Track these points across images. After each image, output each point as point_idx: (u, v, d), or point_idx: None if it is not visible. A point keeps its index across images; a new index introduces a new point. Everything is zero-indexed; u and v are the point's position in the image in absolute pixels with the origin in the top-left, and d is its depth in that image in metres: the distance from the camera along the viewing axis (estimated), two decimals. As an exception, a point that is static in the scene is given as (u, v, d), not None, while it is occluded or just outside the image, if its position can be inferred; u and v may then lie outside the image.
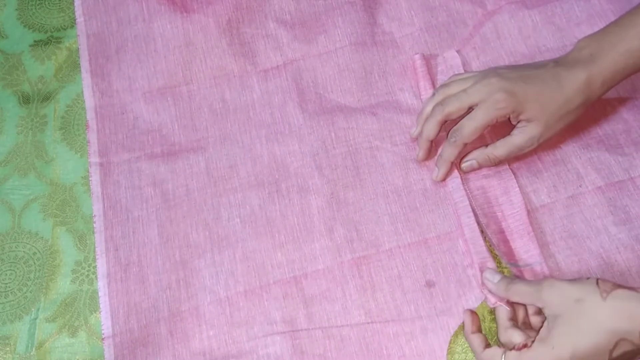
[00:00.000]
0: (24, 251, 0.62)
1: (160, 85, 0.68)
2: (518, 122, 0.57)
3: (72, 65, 0.70)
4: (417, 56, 0.67)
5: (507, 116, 0.56)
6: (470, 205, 0.59)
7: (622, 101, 0.63)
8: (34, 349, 0.58)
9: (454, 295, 0.57)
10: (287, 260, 0.59)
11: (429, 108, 0.60)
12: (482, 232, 0.58)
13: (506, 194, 0.60)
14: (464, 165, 0.60)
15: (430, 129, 0.59)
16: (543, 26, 0.67)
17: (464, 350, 0.55)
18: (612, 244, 0.57)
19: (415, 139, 0.63)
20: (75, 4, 0.72)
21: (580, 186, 0.60)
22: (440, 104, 0.58)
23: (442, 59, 0.67)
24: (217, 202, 0.62)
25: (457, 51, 0.67)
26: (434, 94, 0.60)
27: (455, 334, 0.55)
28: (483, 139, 0.61)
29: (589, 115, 0.62)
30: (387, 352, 0.55)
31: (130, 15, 0.71)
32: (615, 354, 0.44)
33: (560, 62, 0.57)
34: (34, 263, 0.61)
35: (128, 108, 0.67)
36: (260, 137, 0.65)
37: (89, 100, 0.67)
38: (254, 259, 0.59)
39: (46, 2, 0.74)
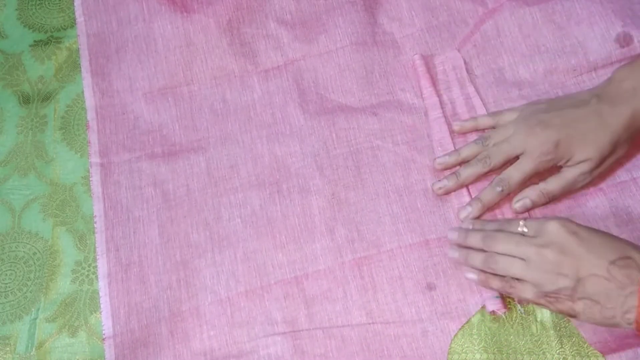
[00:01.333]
0: (24, 251, 0.62)
1: (160, 86, 0.68)
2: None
3: (72, 65, 0.70)
4: (416, 56, 0.67)
5: (556, 163, 0.57)
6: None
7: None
8: (34, 349, 0.58)
9: (455, 299, 0.57)
10: (288, 261, 0.59)
11: (468, 151, 0.60)
12: None
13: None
14: (517, 205, 0.58)
15: (470, 178, 0.59)
16: (543, 24, 0.67)
17: (464, 351, 0.55)
18: (614, 244, 0.57)
19: (440, 169, 0.62)
20: (75, 4, 0.72)
21: (581, 187, 0.60)
22: (486, 156, 0.58)
23: (444, 58, 0.67)
24: (218, 202, 0.62)
25: (458, 50, 0.67)
26: (476, 141, 0.60)
27: (456, 335, 0.55)
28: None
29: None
30: (387, 352, 0.55)
31: (130, 15, 0.71)
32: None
33: (602, 98, 0.57)
34: (34, 263, 0.61)
35: (129, 108, 0.67)
36: (261, 137, 0.65)
37: (90, 101, 0.67)
38: (254, 259, 0.59)
39: (46, 2, 0.74)
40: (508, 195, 0.58)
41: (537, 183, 0.58)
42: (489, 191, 0.58)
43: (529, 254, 0.50)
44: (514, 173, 0.57)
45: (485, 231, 0.55)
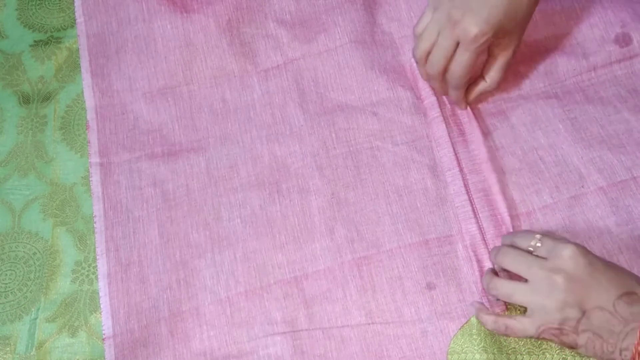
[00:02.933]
0: (24, 251, 0.62)
1: (160, 86, 0.68)
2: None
3: (72, 65, 0.70)
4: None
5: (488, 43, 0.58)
6: (473, 210, 0.59)
7: (623, 102, 0.63)
8: (34, 349, 0.58)
9: (454, 299, 0.57)
10: (287, 261, 0.59)
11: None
12: (483, 239, 0.58)
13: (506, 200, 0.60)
14: (471, 98, 0.63)
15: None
16: (543, 25, 0.67)
17: (463, 351, 0.55)
18: (614, 244, 0.57)
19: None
20: (75, 4, 0.72)
21: (582, 187, 0.59)
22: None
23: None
24: (218, 202, 0.62)
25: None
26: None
27: (456, 335, 0.55)
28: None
29: (589, 115, 0.62)
30: (387, 353, 0.55)
31: (130, 16, 0.71)
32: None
33: None
34: (34, 263, 0.61)
35: (128, 108, 0.67)
36: (261, 137, 0.65)
37: (89, 101, 0.67)
38: (254, 259, 0.59)
39: (46, 2, 0.74)
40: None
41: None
42: (452, 93, 0.62)
43: (538, 278, 0.49)
44: (453, 67, 0.59)
45: (500, 248, 0.54)
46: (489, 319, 0.52)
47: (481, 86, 0.62)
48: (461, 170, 0.61)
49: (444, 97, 0.65)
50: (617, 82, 0.64)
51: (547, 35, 0.67)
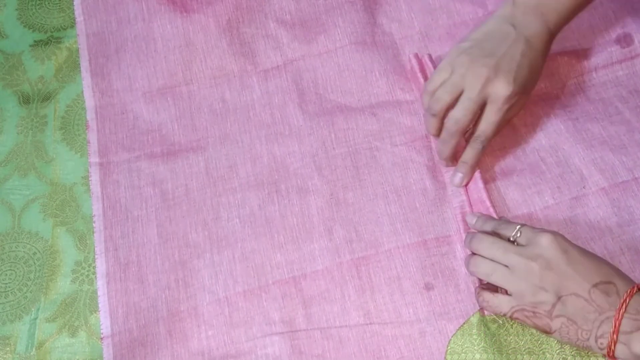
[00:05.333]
0: (24, 251, 0.62)
1: (160, 85, 0.68)
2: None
3: (72, 65, 0.70)
4: (411, 55, 0.67)
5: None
6: (471, 211, 0.59)
7: (624, 102, 0.63)
8: (34, 349, 0.58)
9: (452, 300, 0.56)
10: (286, 261, 0.59)
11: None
12: None
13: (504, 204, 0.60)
14: (455, 181, 0.61)
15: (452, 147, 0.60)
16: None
17: (463, 351, 0.55)
18: (616, 245, 0.57)
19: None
20: (75, 3, 0.72)
21: (583, 187, 0.59)
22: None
23: (439, 57, 0.67)
24: (217, 202, 0.62)
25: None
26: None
27: (456, 335, 0.55)
28: None
29: (591, 116, 0.62)
30: (385, 353, 0.55)
31: (130, 15, 0.71)
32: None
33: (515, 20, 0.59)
34: (34, 263, 0.61)
35: (128, 108, 0.67)
36: (260, 137, 0.65)
37: (89, 100, 0.67)
38: (253, 259, 0.59)
39: (46, 2, 0.74)
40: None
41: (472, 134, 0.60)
42: (469, 151, 0.59)
43: (515, 263, 0.50)
44: (485, 126, 0.58)
45: (475, 234, 0.55)
46: (476, 290, 0.54)
47: (467, 153, 0.60)
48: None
49: None
50: (618, 83, 0.64)
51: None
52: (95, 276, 0.60)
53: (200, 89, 0.68)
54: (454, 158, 0.61)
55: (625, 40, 0.64)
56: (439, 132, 0.61)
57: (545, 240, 0.50)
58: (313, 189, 0.62)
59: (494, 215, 0.58)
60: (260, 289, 0.58)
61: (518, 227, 0.53)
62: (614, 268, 0.49)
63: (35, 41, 0.72)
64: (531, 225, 0.54)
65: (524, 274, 0.50)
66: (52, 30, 0.73)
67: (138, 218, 0.62)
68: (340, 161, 0.63)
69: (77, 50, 0.70)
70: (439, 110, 0.59)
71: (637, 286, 0.48)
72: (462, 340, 0.55)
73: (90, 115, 0.67)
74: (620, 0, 0.66)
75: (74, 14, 0.72)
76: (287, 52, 0.69)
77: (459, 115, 0.58)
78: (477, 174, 0.60)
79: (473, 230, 0.57)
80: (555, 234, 0.50)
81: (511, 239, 0.53)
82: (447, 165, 0.62)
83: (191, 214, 0.61)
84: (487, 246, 0.53)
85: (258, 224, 0.61)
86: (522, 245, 0.51)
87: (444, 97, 0.59)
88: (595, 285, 0.48)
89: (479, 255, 0.54)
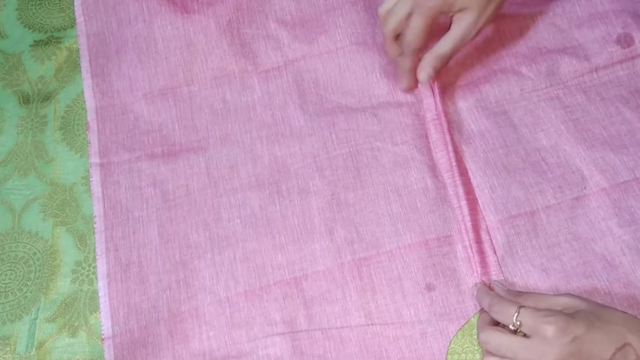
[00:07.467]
0: (24, 251, 0.62)
1: (161, 86, 0.68)
2: (453, 15, 0.60)
3: (72, 65, 0.70)
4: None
5: (443, 12, 0.59)
6: (470, 212, 0.59)
7: (625, 102, 0.63)
8: (34, 349, 0.58)
9: (454, 301, 0.56)
10: (287, 261, 0.59)
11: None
12: (482, 240, 0.58)
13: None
14: (420, 76, 0.62)
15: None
16: (544, 27, 0.67)
17: (464, 351, 0.55)
18: (617, 245, 0.57)
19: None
20: (75, 4, 0.72)
21: (584, 188, 0.59)
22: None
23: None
24: (218, 202, 0.62)
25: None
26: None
27: (456, 335, 0.55)
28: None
29: (591, 116, 0.62)
30: (386, 354, 0.55)
31: (130, 16, 0.71)
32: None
33: None
34: (34, 263, 0.61)
35: (129, 108, 0.67)
36: (261, 137, 0.65)
37: (90, 101, 0.67)
38: (254, 259, 0.59)
39: (46, 2, 0.74)
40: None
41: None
42: (400, 58, 0.62)
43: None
44: (409, 31, 0.60)
45: (483, 328, 0.52)
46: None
47: (426, 56, 0.61)
48: (460, 172, 0.60)
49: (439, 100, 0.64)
50: (619, 83, 0.64)
51: (548, 37, 0.66)
52: (95, 276, 0.60)
53: (201, 90, 0.68)
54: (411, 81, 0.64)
55: (625, 40, 0.64)
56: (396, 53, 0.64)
57: (550, 332, 0.46)
58: (314, 190, 0.62)
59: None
60: (261, 289, 0.58)
61: (515, 314, 0.49)
62: (622, 321, 0.46)
63: (35, 41, 0.72)
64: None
65: None
66: (52, 30, 0.72)
67: (139, 219, 0.62)
68: (341, 162, 0.63)
69: (77, 50, 0.70)
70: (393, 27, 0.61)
71: None
72: (463, 341, 0.55)
73: (90, 116, 0.67)
74: (620, 0, 0.66)
75: (74, 14, 0.72)
76: (287, 53, 0.69)
77: (407, 33, 0.60)
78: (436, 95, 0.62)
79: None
80: (559, 318, 0.47)
81: (512, 327, 0.49)
82: (405, 90, 0.65)
83: (192, 214, 0.61)
84: (496, 345, 0.49)
85: (259, 225, 0.61)
86: (527, 337, 0.48)
87: (393, 20, 0.61)
88: (612, 357, 0.45)
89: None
